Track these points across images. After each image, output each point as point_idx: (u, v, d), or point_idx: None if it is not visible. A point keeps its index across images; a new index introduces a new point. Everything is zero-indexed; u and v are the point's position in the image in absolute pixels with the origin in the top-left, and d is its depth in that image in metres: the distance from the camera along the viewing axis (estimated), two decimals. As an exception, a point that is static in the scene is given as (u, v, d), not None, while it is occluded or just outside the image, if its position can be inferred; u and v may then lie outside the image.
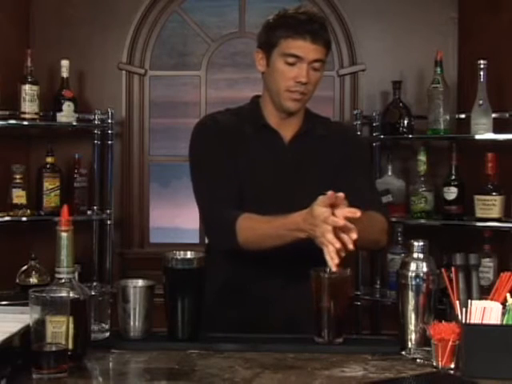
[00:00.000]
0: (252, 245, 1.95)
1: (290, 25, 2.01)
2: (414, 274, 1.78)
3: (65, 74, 3.56)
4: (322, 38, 2.02)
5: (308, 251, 1.82)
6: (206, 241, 2.22)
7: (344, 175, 2.07)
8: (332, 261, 1.73)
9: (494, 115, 3.29)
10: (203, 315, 1.86)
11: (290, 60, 2.01)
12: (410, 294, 1.78)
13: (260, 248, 1.94)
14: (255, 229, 1.95)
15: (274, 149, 2.10)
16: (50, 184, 3.51)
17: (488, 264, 3.23)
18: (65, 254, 1.63)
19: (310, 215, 1.79)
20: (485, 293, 1.77)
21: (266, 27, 2.09)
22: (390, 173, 3.62)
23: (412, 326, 1.78)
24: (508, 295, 1.66)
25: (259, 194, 2.05)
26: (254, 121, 2.12)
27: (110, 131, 3.70)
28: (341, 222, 1.73)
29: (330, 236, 1.73)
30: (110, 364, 1.70)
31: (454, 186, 3.39)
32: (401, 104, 3.59)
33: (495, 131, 3.29)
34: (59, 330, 1.54)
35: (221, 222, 1.99)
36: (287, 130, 2.11)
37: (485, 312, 1.62)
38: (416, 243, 1.80)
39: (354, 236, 1.74)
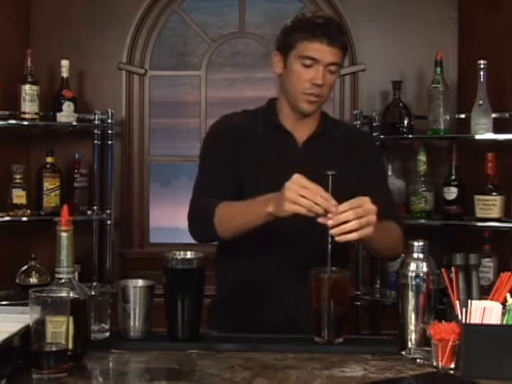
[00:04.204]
0: (224, 226, 1.98)
1: (307, 28, 2.03)
2: (414, 274, 1.78)
3: (65, 74, 3.56)
4: (339, 41, 2.04)
5: (317, 253, 1.83)
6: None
7: (360, 182, 2.10)
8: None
9: (494, 115, 3.29)
10: (212, 315, 1.86)
11: (307, 62, 2.03)
12: (410, 294, 1.78)
13: (231, 228, 1.97)
14: (228, 211, 1.98)
15: (287, 150, 2.11)
16: (50, 184, 3.51)
17: (488, 264, 3.23)
18: (65, 254, 1.63)
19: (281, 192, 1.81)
20: (485, 293, 1.77)
21: (284, 30, 2.10)
22: (390, 173, 3.62)
23: (412, 326, 1.78)
24: (508, 295, 1.66)
25: (266, 193, 2.05)
26: (268, 122, 2.14)
27: (110, 131, 3.69)
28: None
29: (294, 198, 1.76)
30: (110, 364, 1.70)
31: (454, 186, 3.39)
32: (401, 104, 3.59)
33: (495, 131, 3.28)
34: (59, 330, 1.54)
35: (201, 213, 2.03)
36: (302, 132, 2.13)
37: (485, 312, 1.62)
38: (416, 243, 1.80)
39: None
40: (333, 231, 1.78)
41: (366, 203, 1.80)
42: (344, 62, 2.13)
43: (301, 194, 1.77)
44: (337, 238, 1.78)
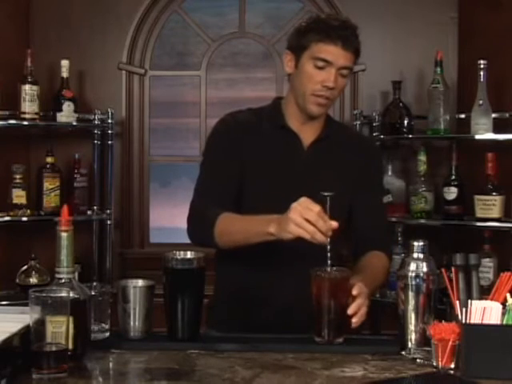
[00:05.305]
0: (224, 238, 1.97)
1: (322, 29, 2.01)
2: (414, 274, 1.78)
3: (65, 74, 3.56)
4: (353, 45, 2.02)
5: (316, 262, 1.83)
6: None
7: (360, 197, 2.12)
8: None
9: (494, 115, 3.29)
10: (210, 316, 1.85)
11: (320, 64, 2.01)
12: (410, 294, 1.78)
13: (230, 241, 1.97)
14: (229, 224, 1.97)
15: (293, 151, 2.10)
16: (50, 184, 3.51)
17: (488, 264, 3.23)
18: (65, 254, 1.63)
19: (285, 214, 1.81)
20: (485, 293, 1.77)
21: (298, 30, 2.08)
22: (390, 173, 3.62)
23: (412, 326, 1.78)
24: (508, 295, 1.66)
25: (269, 193, 2.05)
26: (274, 121, 2.12)
27: (110, 131, 3.70)
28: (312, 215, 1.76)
29: (300, 221, 1.76)
30: (110, 364, 1.70)
31: (454, 186, 3.39)
32: (401, 104, 3.59)
33: (495, 131, 3.28)
34: (59, 330, 1.54)
35: (202, 220, 2.02)
36: (307, 134, 2.11)
37: (485, 312, 1.62)
38: (416, 243, 1.80)
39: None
40: (355, 320, 1.83)
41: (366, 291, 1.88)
42: (354, 65, 2.09)
43: (305, 217, 1.76)
44: (354, 324, 1.84)
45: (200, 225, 2.02)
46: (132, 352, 1.75)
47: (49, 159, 3.54)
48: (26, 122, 3.45)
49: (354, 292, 1.82)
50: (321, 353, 1.75)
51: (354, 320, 1.82)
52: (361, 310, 1.83)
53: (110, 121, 3.69)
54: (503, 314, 1.63)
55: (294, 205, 1.79)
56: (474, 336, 1.59)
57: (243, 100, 3.82)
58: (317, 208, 1.77)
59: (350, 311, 1.81)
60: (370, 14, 3.81)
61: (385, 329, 3.51)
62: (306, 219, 1.76)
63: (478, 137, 3.30)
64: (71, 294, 1.59)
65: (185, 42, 4.03)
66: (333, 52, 2.00)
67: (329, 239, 1.79)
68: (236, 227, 1.97)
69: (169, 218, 4.01)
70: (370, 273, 2.01)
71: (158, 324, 1.85)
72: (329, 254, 1.81)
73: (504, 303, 1.65)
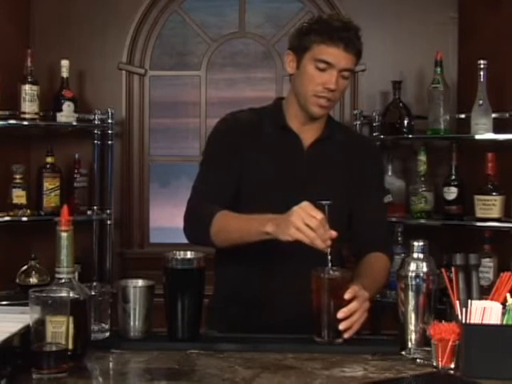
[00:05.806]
0: (220, 237, 1.97)
1: (324, 30, 2.00)
2: (414, 274, 1.78)
3: (65, 74, 3.56)
4: (355, 47, 2.02)
5: (321, 257, 1.83)
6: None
7: (360, 197, 2.12)
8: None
9: (493, 115, 3.29)
10: (209, 317, 1.85)
11: (321, 66, 2.01)
12: (410, 294, 1.78)
13: (226, 240, 1.97)
14: (225, 223, 1.97)
15: (293, 151, 2.10)
16: (49, 184, 3.51)
17: (488, 264, 3.23)
18: (65, 254, 1.63)
19: (284, 216, 1.81)
20: (485, 293, 1.77)
21: (300, 31, 2.07)
22: (390, 173, 3.62)
23: (412, 326, 1.78)
24: (508, 295, 1.66)
25: (269, 193, 2.05)
26: (275, 121, 2.12)
27: (110, 131, 3.70)
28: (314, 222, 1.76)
29: (303, 227, 1.76)
30: (110, 364, 1.70)
31: (454, 186, 3.39)
32: (401, 104, 3.59)
33: (495, 131, 3.28)
34: (59, 330, 1.54)
35: (199, 218, 2.01)
36: (308, 135, 2.11)
37: (485, 312, 1.62)
38: (416, 243, 1.80)
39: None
40: (342, 326, 1.79)
41: (365, 295, 1.85)
42: (356, 67, 2.10)
43: (307, 223, 1.76)
44: (346, 334, 1.80)
45: (196, 223, 2.02)
46: (132, 352, 1.75)
47: (49, 159, 3.54)
48: (26, 122, 3.44)
49: (347, 296, 1.79)
50: (321, 353, 1.75)
51: (341, 326, 1.78)
52: (354, 316, 1.80)
53: (110, 121, 3.69)
54: (503, 314, 1.63)
55: (296, 209, 1.78)
56: (474, 336, 1.59)
57: (243, 100, 3.82)
58: (319, 216, 1.77)
59: (339, 315, 1.78)
60: (370, 14, 3.81)
61: (385, 329, 3.51)
62: (307, 225, 1.76)
63: (477, 137, 3.30)
64: (71, 294, 1.59)
65: (185, 41, 4.03)
66: (334, 54, 2.00)
67: (329, 248, 1.80)
68: (232, 226, 1.97)
69: (169, 218, 4.01)
70: (370, 275, 2.01)
71: (158, 324, 1.85)
72: (329, 257, 1.81)
73: (504, 303, 1.65)
